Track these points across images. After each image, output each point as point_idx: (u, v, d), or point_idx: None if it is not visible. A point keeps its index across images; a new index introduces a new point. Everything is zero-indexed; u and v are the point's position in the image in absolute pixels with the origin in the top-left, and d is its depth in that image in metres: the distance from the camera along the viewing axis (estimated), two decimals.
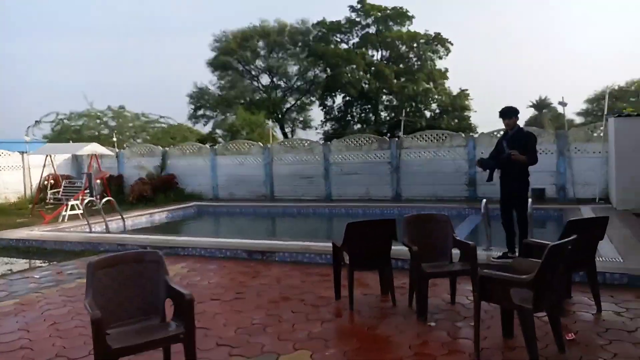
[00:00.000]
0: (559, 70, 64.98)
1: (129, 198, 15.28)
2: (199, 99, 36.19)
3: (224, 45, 35.73)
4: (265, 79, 38.24)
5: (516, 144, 5.95)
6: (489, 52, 63.49)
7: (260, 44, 36.75)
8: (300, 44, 36.70)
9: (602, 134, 11.19)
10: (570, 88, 64.40)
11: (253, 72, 38.09)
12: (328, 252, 6.38)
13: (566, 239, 3.46)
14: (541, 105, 59.49)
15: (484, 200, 6.90)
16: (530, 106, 60.33)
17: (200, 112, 36.48)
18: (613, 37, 64.10)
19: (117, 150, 17.08)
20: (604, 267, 5.21)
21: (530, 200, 6.18)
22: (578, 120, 44.22)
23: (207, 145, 16.02)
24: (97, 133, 19.67)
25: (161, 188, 15.50)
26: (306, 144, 14.63)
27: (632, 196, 9.69)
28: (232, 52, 35.38)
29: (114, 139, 17.56)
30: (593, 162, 11.32)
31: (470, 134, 12.32)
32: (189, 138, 21.71)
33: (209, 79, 41.49)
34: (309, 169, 14.34)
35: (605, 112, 11.81)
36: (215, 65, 36.40)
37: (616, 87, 43.19)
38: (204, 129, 36.46)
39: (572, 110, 52.10)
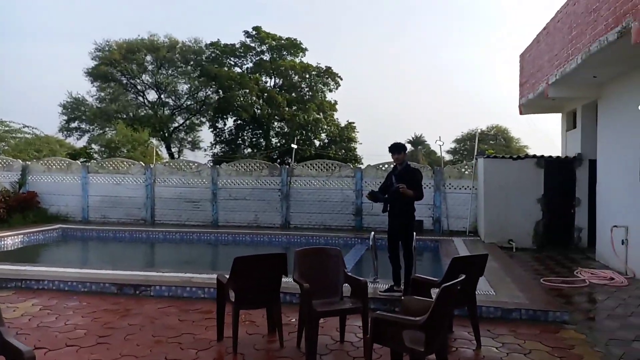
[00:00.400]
0: (434, 111, 71.76)
1: None
2: (74, 110, 32.92)
3: (106, 55, 33.18)
4: (152, 95, 36.22)
5: (404, 178, 6.10)
6: (374, 88, 68.04)
7: (149, 58, 34.85)
8: (192, 62, 35.53)
9: (472, 172, 12.22)
10: (440, 128, 71.33)
11: (139, 87, 35.86)
12: (212, 285, 5.86)
13: (456, 280, 3.46)
14: (417, 142, 65.00)
15: (372, 232, 6.94)
16: (408, 142, 65.67)
17: (74, 124, 33.16)
18: (479, 86, 72.86)
19: None
20: (480, 300, 5.43)
21: (415, 233, 6.33)
22: (447, 157, 49.05)
23: (79, 162, 14.34)
24: None
25: (18, 207, 13.41)
26: (193, 167, 13.83)
27: (497, 230, 10.63)
28: (116, 64, 32.98)
29: None
30: (464, 198, 12.27)
31: (358, 165, 12.58)
32: (58, 152, 19.34)
33: (86, 90, 37.97)
34: (195, 192, 13.53)
35: (476, 153, 12.97)
36: (95, 75, 33.54)
37: (479, 131, 48.93)
38: (78, 143, 33.18)
39: (443, 149, 57.84)
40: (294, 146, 14.99)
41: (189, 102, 36.54)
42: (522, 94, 11.81)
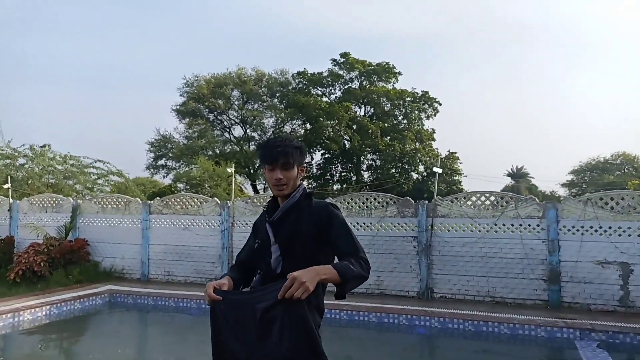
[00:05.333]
0: (539, 140, 63.36)
1: (10, 275, 9.57)
2: (161, 147, 31.01)
3: (194, 90, 31.23)
4: (238, 131, 33.66)
5: (296, 229, 2.02)
6: (468, 114, 61.42)
7: (235, 93, 32.50)
8: (278, 95, 32.64)
9: None
10: (549, 159, 62.44)
11: (225, 123, 33.51)
12: None
13: None
14: (518, 174, 57.09)
15: None
16: (507, 175, 57.86)
17: (161, 162, 31.18)
18: (598, 111, 63.52)
19: (10, 200, 11.44)
20: None
21: None
22: (561, 191, 41.10)
23: (138, 199, 10.63)
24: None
25: (62, 260, 9.88)
26: None
27: None
28: (203, 99, 30.82)
29: (8, 185, 11.94)
30: None
31: (546, 201, 7.38)
32: (131, 192, 16.21)
33: (174, 126, 36.58)
34: None
35: None
36: (183, 112, 31.65)
37: (602, 160, 40.74)
38: (164, 180, 31.11)
39: (556, 181, 49.42)
40: (438, 170, 9.71)
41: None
42: None
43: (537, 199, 7.63)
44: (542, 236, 7.41)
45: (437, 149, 31.96)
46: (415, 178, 30.93)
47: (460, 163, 31.75)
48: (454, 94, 57.13)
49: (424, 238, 8.07)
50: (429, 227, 8.07)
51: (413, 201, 8.33)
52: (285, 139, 2.06)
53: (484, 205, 7.87)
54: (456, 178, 31.25)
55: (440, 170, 9.71)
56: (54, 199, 11.05)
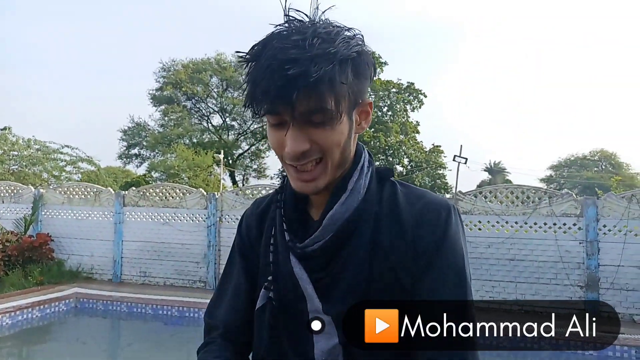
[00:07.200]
0: (517, 134, 63.62)
1: None
2: (134, 135, 29.15)
3: (171, 75, 29.44)
4: (217, 119, 32.04)
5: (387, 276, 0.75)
6: (447, 107, 60.94)
7: (214, 80, 30.87)
8: None
9: None
10: (529, 154, 62.78)
11: (203, 111, 31.82)
12: None
13: None
14: (495, 169, 57.25)
15: None
16: (485, 170, 57.94)
17: (134, 150, 29.34)
18: (576, 107, 64.17)
19: None
20: None
21: None
22: (540, 186, 41.22)
23: (110, 189, 9.23)
24: None
25: (21, 258, 8.46)
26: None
27: None
28: (181, 84, 29.08)
29: None
30: None
31: (585, 197, 6.55)
32: (103, 181, 14.69)
33: (149, 113, 34.75)
34: None
35: None
36: (159, 98, 29.83)
37: (580, 156, 41.04)
38: (138, 170, 29.36)
39: (536, 177, 49.60)
40: (459, 159, 8.17)
41: (255, 126, 32.04)
42: None
43: (574, 195, 6.73)
44: (579, 237, 6.51)
45: (421, 141, 31.27)
46: (399, 171, 30.15)
47: (445, 157, 31.15)
48: (435, 87, 56.64)
49: None
50: None
51: None
52: (315, 35, 0.76)
53: (511, 201, 6.92)
54: (441, 172, 30.66)
55: (463, 161, 8.66)
56: (12, 188, 9.54)
